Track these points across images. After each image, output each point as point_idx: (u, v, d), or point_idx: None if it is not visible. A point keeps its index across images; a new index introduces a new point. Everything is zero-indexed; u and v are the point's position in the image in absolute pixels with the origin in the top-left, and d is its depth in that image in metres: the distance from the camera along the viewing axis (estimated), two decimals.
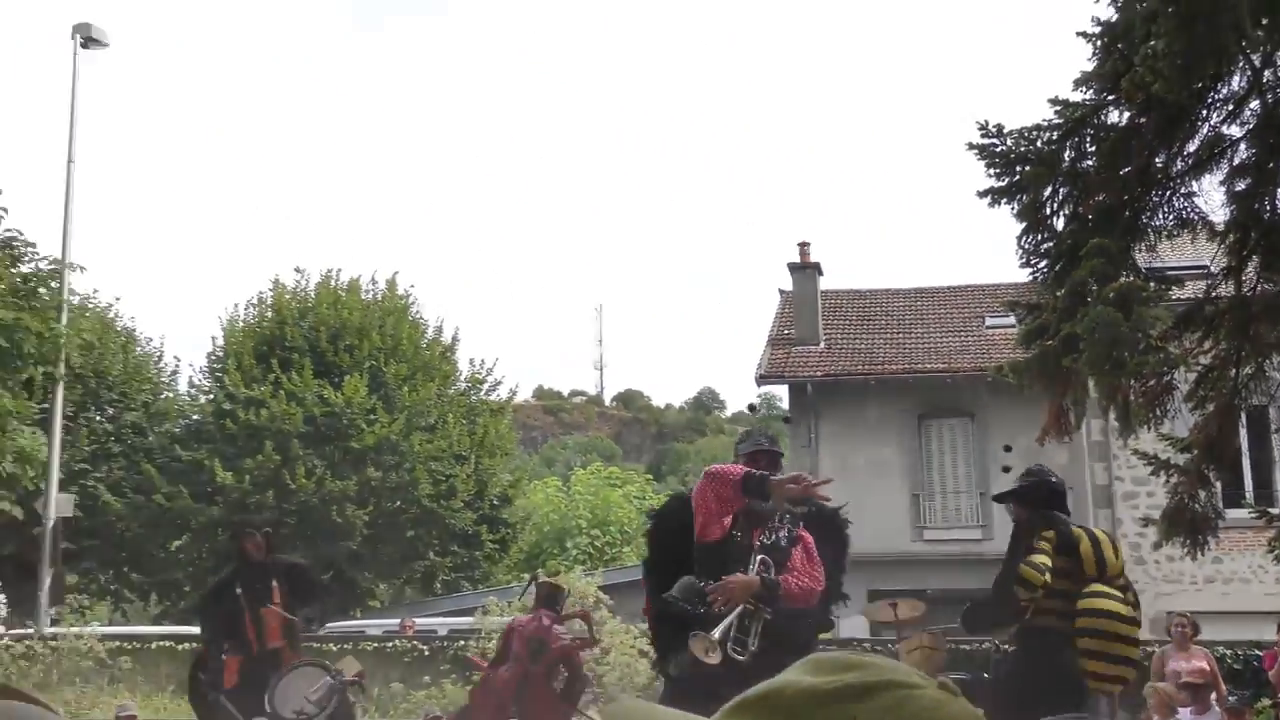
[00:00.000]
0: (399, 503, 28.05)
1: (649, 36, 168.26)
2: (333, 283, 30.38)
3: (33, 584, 22.26)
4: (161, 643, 17.95)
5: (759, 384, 27.61)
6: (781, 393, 27.66)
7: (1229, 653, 14.67)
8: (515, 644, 10.14)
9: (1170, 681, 11.75)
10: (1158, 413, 11.50)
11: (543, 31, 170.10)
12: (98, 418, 29.31)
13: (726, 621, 5.62)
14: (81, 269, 23.41)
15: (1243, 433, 17.33)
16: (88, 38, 23.36)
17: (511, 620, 11.76)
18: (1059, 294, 11.95)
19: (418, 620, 21.29)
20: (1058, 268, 12.14)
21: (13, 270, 20.58)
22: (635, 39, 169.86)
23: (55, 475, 21.60)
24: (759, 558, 5.90)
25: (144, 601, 30.70)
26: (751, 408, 33.39)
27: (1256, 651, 14.22)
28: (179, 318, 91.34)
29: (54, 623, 20.81)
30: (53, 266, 21.76)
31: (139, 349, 31.23)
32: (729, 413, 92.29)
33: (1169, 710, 11.21)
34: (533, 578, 11.46)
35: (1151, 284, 12.06)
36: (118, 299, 48.41)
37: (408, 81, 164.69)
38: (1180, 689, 11.46)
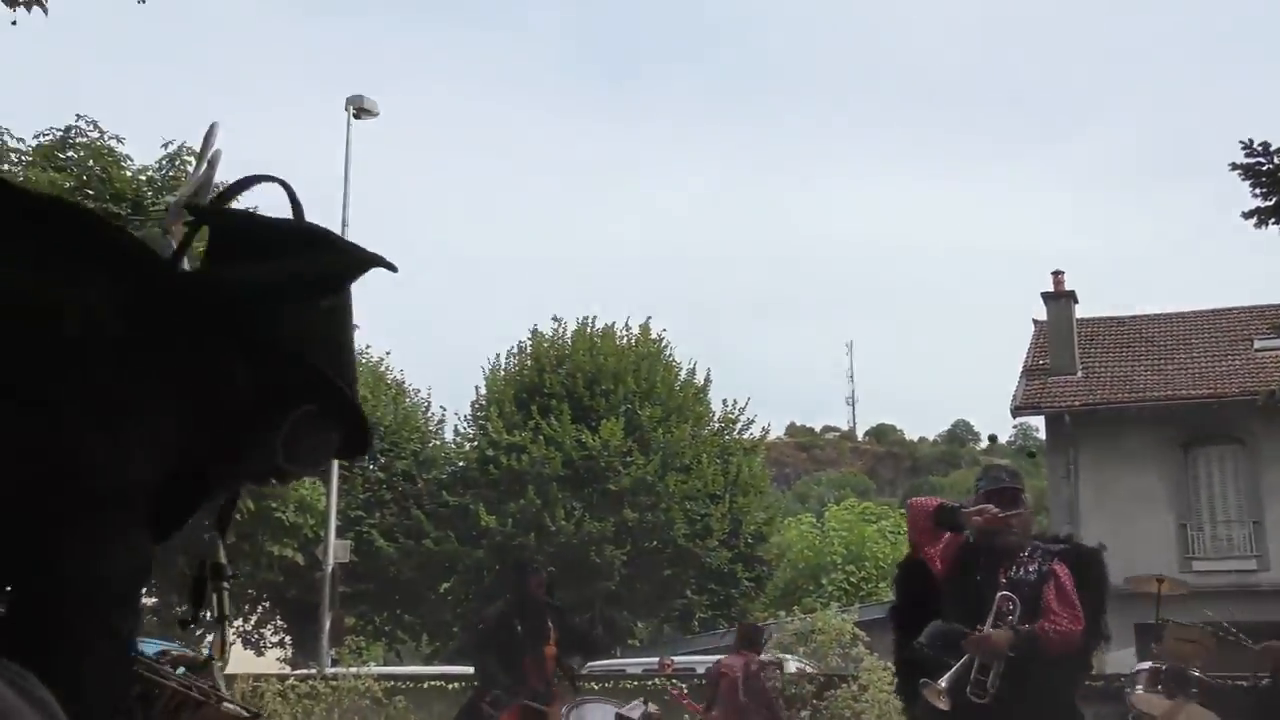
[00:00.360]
0: (655, 542, 28.48)
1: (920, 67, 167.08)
2: (588, 329, 31.11)
3: (314, 626, 23.45)
4: (433, 682, 18.68)
5: (1014, 415, 27.12)
6: (1038, 423, 27.04)
7: None
8: (724, 686, 10.23)
9: None
10: None
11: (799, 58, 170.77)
12: (371, 467, 30.70)
13: (955, 669, 5.50)
14: (356, 327, 24.65)
15: None
16: (360, 109, 24.69)
17: (717, 663, 11.80)
18: None
19: (676, 658, 21.56)
20: None
21: None
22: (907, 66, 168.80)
23: (333, 522, 22.76)
24: (1002, 594, 5.63)
25: (416, 642, 31.92)
26: (992, 439, 32.46)
27: None
28: (445, 369, 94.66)
29: (334, 663, 21.87)
30: None
31: (408, 400, 32.61)
32: (983, 445, 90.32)
33: None
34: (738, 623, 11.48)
35: None
36: (388, 353, 50.66)
37: (655, 130, 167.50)
38: None
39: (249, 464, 2.09)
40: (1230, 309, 28.08)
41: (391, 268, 2.14)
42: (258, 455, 2.06)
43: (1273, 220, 11.58)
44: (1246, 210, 11.69)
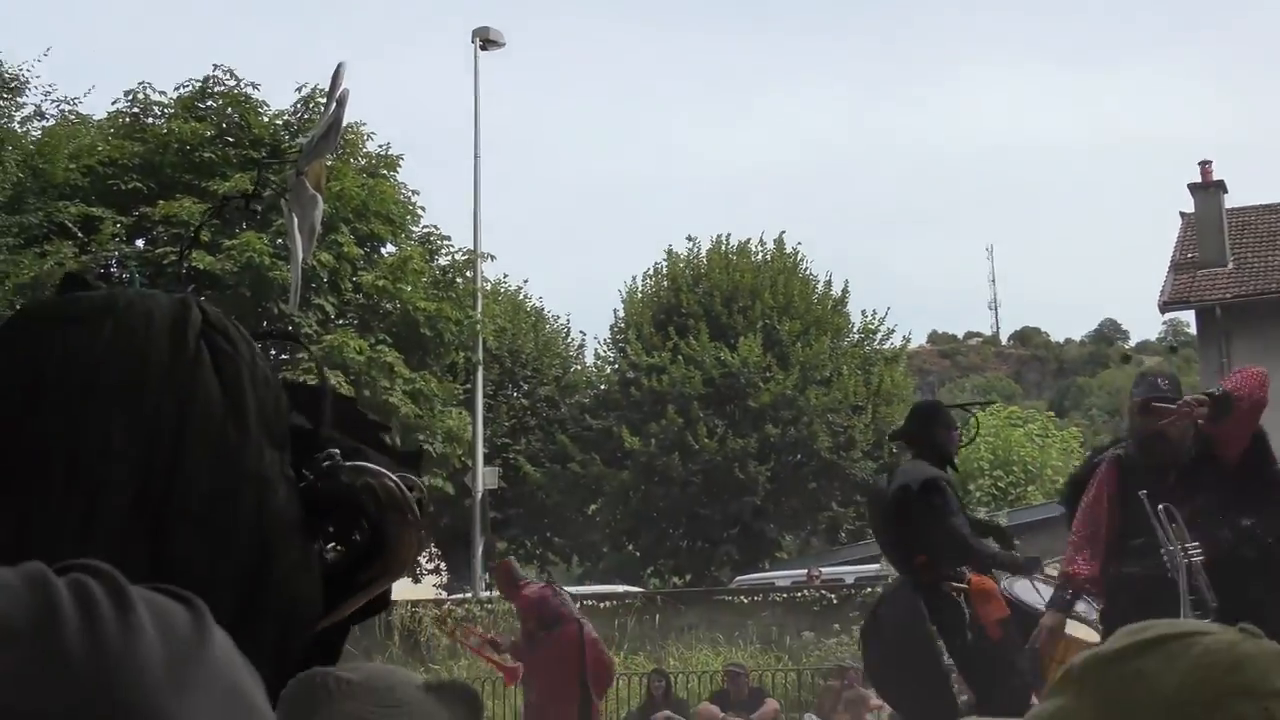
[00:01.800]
0: (799, 456, 28.49)
1: None
2: (723, 247, 31.04)
3: (467, 553, 24.02)
4: (585, 601, 18.96)
5: (1163, 311, 26.43)
6: (1188, 319, 26.36)
7: None
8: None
9: None
10: None
11: None
12: (515, 394, 31.16)
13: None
14: (492, 257, 24.94)
15: None
16: (486, 40, 24.84)
17: None
18: None
19: (824, 569, 21.65)
20: None
21: (432, 264, 22.26)
22: None
23: (480, 451, 23.20)
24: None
25: (566, 564, 32.48)
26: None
27: None
28: (583, 294, 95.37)
29: (487, 587, 22.39)
30: (466, 257, 23.40)
31: (548, 327, 32.95)
32: (1133, 343, 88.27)
33: None
34: None
35: None
36: (526, 282, 51.05)
37: (782, 40, 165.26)
38: None
39: None
40: None
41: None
42: None
43: None
44: None
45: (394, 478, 2.09)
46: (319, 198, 5.97)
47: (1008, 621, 7.11)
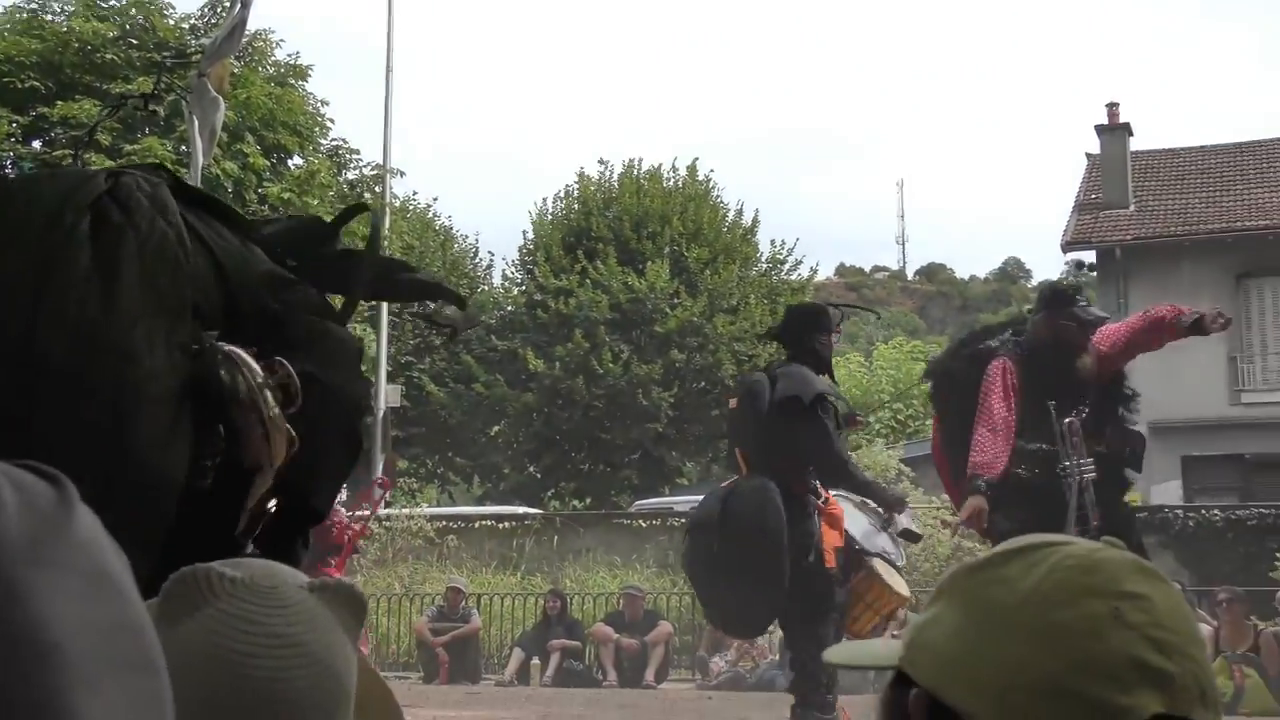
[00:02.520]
0: (703, 383, 28.62)
1: None
2: (635, 172, 30.89)
3: (367, 470, 23.88)
4: (484, 522, 19.00)
5: (1065, 251, 26.83)
6: (1090, 258, 26.78)
7: None
8: None
9: None
10: None
11: None
12: (421, 312, 30.89)
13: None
14: (401, 173, 24.62)
15: None
16: None
17: None
18: None
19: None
20: None
21: (340, 178, 21.90)
22: None
23: (383, 368, 23.02)
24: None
25: (467, 484, 32.45)
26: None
27: None
28: (492, 214, 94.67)
29: (388, 505, 22.31)
30: (375, 172, 23.04)
31: (456, 246, 32.68)
32: (1035, 282, 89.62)
33: None
34: None
35: None
36: (435, 199, 50.63)
37: None
38: None
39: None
40: None
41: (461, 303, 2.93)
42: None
43: None
44: None
45: (257, 372, 2.08)
46: (220, 100, 5.86)
47: (841, 552, 7.21)
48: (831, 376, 7.54)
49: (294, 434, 2.20)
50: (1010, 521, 5.79)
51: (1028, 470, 6.24)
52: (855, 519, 7.34)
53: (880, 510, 7.39)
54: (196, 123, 5.95)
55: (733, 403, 7.50)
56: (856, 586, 7.60)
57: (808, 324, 7.46)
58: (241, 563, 1.21)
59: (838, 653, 1.20)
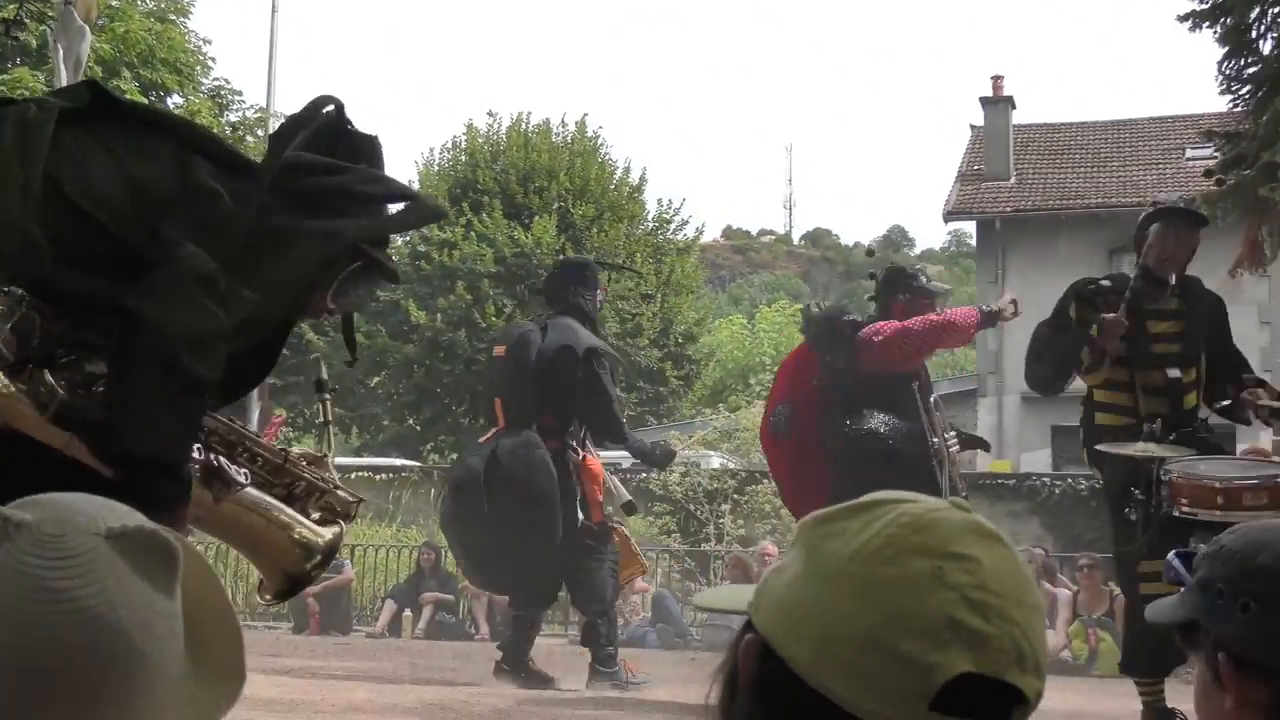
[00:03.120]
0: None
1: None
2: (523, 125, 30.65)
3: (244, 418, 23.51)
4: (361, 473, 18.82)
5: (946, 220, 27.27)
6: (969, 228, 27.21)
7: None
8: None
9: None
10: None
11: None
12: None
13: None
14: (285, 117, 24.11)
15: None
16: None
17: None
18: (1260, 121, 11.52)
19: (603, 454, 21.84)
20: (1261, 94, 11.68)
21: (221, 119, 21.38)
22: None
23: None
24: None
25: (345, 435, 32.09)
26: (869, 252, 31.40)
27: None
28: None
29: None
30: (259, 115, 22.52)
31: None
32: (918, 250, 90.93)
33: None
34: None
35: None
36: None
37: None
38: None
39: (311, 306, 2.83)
40: (1165, 117, 28.13)
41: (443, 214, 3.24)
42: (315, 300, 2.80)
43: (1205, 24, 11.48)
44: (1182, 14, 11.57)
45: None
46: (86, 29, 5.67)
47: (603, 507, 7.31)
48: (597, 331, 7.53)
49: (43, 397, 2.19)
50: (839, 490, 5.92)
51: (899, 444, 6.34)
52: (612, 483, 7.42)
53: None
54: (61, 51, 5.77)
55: (499, 350, 7.36)
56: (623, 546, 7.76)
57: (574, 279, 7.46)
58: (40, 502, 1.13)
59: (707, 597, 1.19)
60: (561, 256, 22.99)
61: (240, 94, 22.39)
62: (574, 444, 7.24)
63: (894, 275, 6.89)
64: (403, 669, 8.53)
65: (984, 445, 8.45)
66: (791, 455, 6.65)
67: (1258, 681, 1.45)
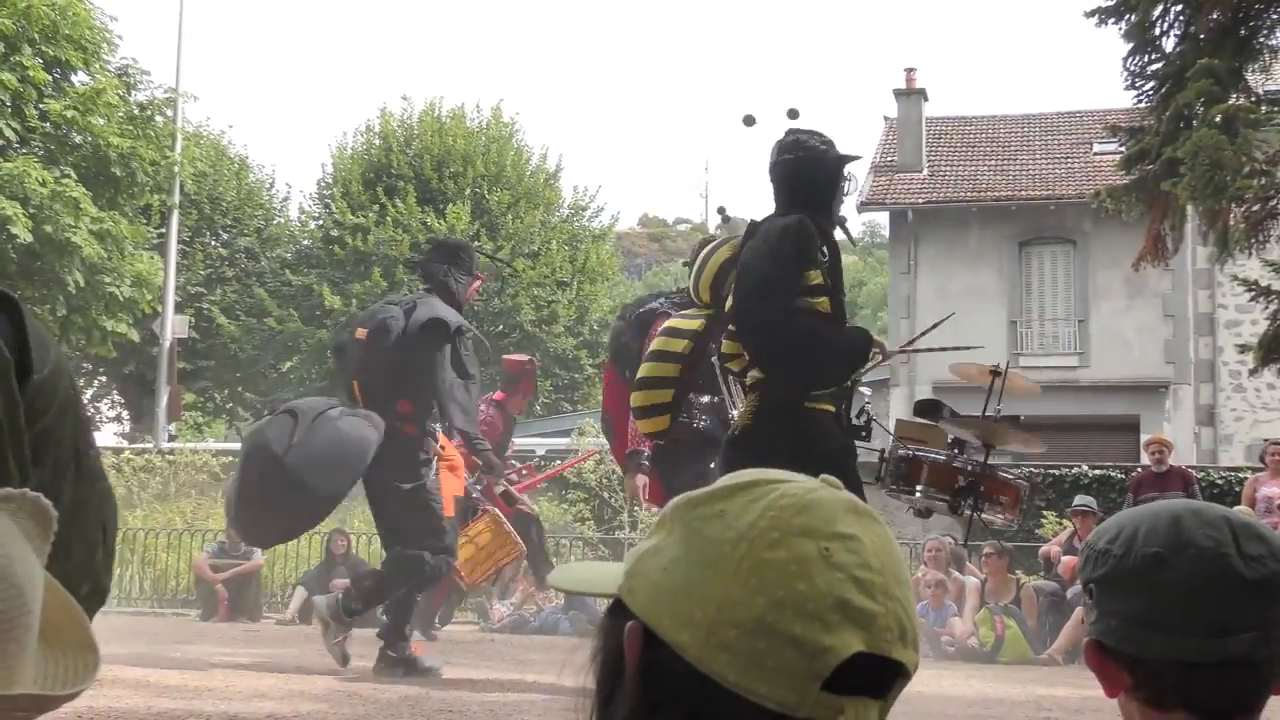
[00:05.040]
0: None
1: None
2: (437, 111, 30.48)
3: (152, 401, 23.18)
4: None
5: (860, 211, 27.48)
6: (883, 219, 27.48)
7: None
8: None
9: (1261, 504, 11.81)
10: (1259, 238, 11.34)
11: None
12: (213, 243, 30.03)
13: None
14: (194, 98, 23.74)
15: None
16: None
17: None
18: (1163, 117, 11.74)
19: (516, 440, 21.77)
20: (1164, 90, 11.90)
21: (128, 99, 20.97)
22: None
23: (171, 298, 22.30)
24: None
25: (257, 420, 31.77)
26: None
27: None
28: (291, 146, 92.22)
29: (172, 438, 21.66)
30: (167, 95, 22.11)
31: (251, 176, 31.77)
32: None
33: None
34: None
35: (1262, 106, 11.79)
36: (230, 126, 49.30)
37: None
38: (1267, 513, 11.52)
39: None
40: (1074, 112, 28.59)
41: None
42: None
43: (1111, 20, 11.68)
44: (1089, 10, 11.77)
45: None
46: None
47: (460, 500, 7.37)
48: (461, 315, 7.55)
49: None
50: (690, 474, 6.05)
51: (706, 422, 6.49)
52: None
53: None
54: None
55: (360, 333, 7.29)
56: (476, 536, 7.76)
57: (449, 259, 7.45)
58: None
59: (561, 577, 1.19)
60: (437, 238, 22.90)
61: (148, 73, 21.93)
62: (432, 430, 7.25)
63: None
64: (309, 655, 8.46)
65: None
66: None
67: (1117, 666, 1.47)
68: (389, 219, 27.93)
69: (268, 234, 30.83)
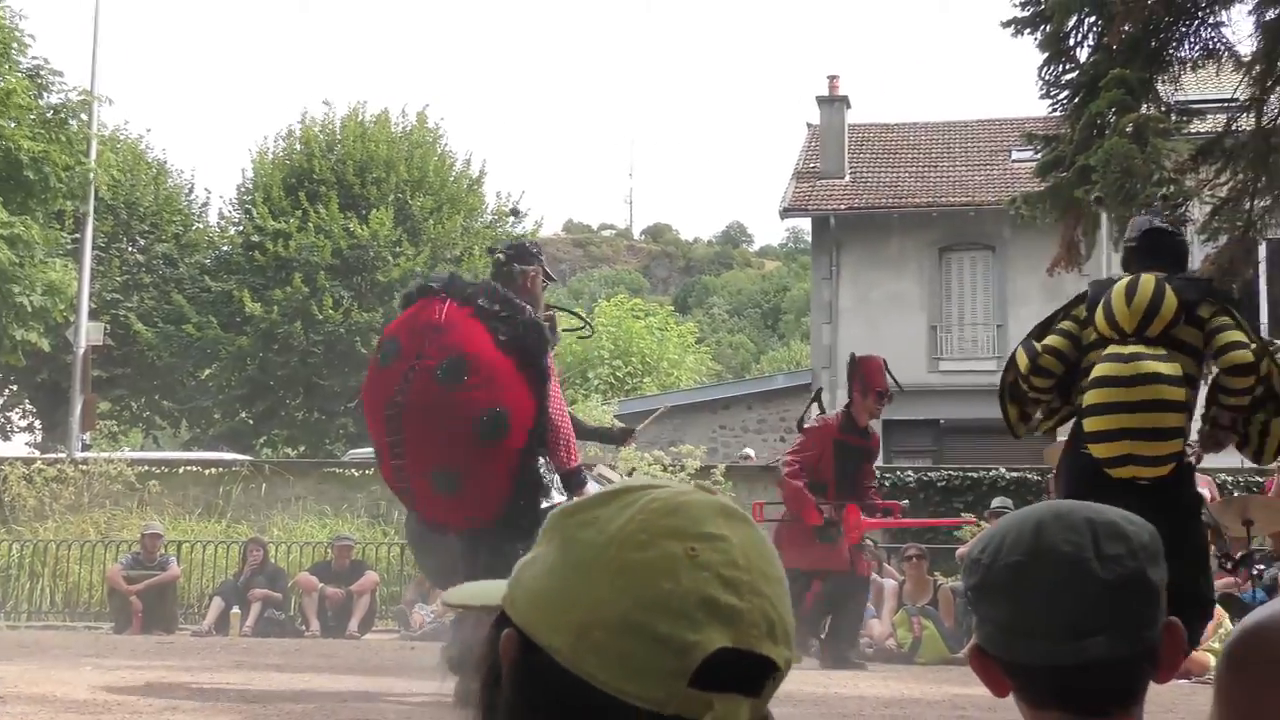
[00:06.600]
0: None
1: None
2: (360, 115, 30.26)
3: (66, 410, 22.76)
4: (189, 467, 18.35)
5: (783, 217, 27.63)
6: (805, 226, 27.68)
7: (1230, 479, 14.87)
8: None
9: None
10: None
11: None
12: (129, 249, 29.58)
13: None
14: (109, 101, 23.33)
15: (1261, 266, 17.26)
16: None
17: None
18: (1077, 125, 11.90)
19: None
20: (1078, 99, 12.06)
21: (40, 101, 20.57)
22: None
23: (85, 304, 21.90)
24: None
25: (175, 428, 31.32)
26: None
27: (1258, 479, 14.41)
28: (210, 150, 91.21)
29: (86, 448, 21.27)
30: (82, 98, 21.68)
31: (170, 181, 31.31)
32: (757, 246, 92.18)
33: None
34: None
35: (1171, 116, 12.00)
36: (148, 130, 48.45)
37: None
38: None
39: None
40: (993, 120, 28.95)
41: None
42: None
43: (1027, 30, 11.82)
44: (1005, 20, 11.90)
45: None
46: None
47: None
48: None
49: None
50: None
51: None
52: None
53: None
54: None
55: None
56: None
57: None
58: None
59: (455, 594, 1.21)
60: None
61: (61, 74, 21.48)
62: None
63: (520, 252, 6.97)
64: (225, 666, 8.35)
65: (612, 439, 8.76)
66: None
67: (998, 670, 1.51)
68: (311, 224, 27.68)
69: (186, 240, 30.41)
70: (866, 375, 10.57)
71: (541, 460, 6.51)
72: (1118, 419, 5.48)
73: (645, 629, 0.97)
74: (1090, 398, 5.59)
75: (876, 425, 24.18)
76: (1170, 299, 5.52)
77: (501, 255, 6.91)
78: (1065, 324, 5.92)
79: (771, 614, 1.01)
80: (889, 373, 10.82)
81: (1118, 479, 5.41)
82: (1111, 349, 5.58)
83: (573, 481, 6.56)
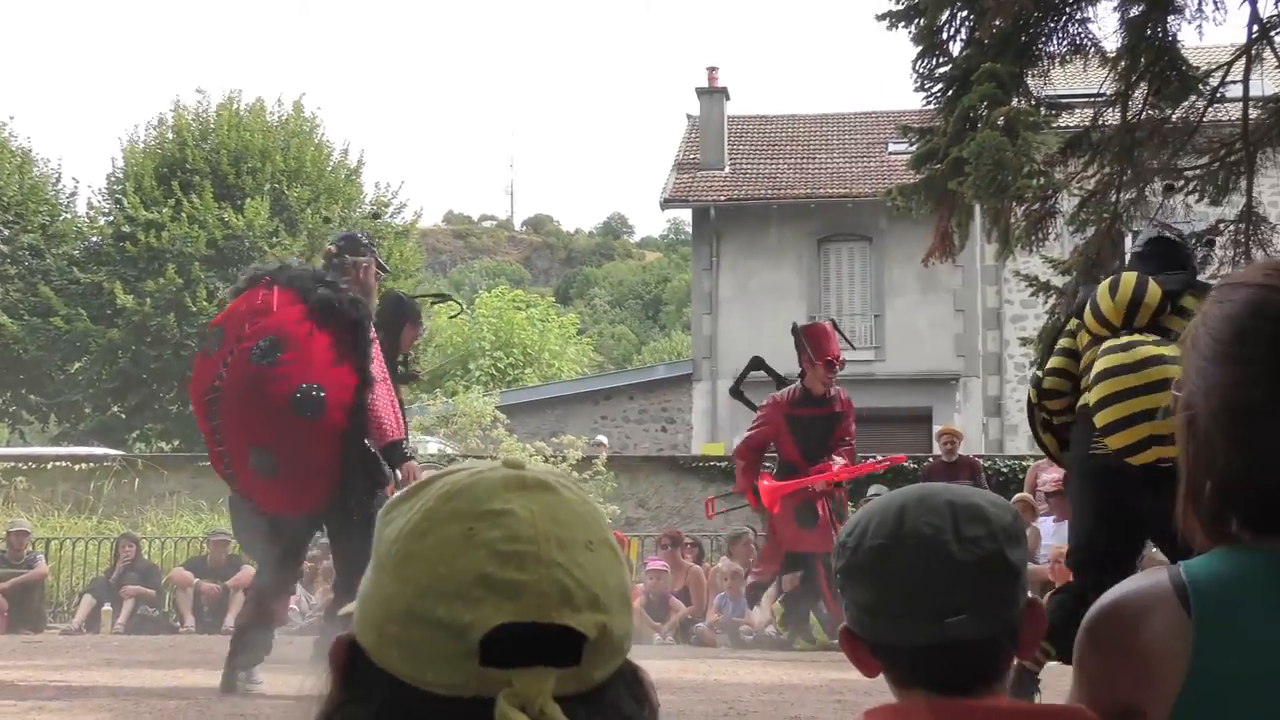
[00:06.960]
0: None
1: None
2: (235, 104, 29.73)
3: None
4: (58, 463, 17.91)
5: (663, 208, 27.71)
6: (686, 216, 27.81)
7: None
8: None
9: (1041, 490, 12.32)
10: (1039, 235, 11.80)
11: None
12: None
13: None
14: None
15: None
16: None
17: None
18: (950, 118, 12.09)
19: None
20: (951, 92, 12.26)
21: None
22: None
23: None
24: None
25: (43, 423, 30.51)
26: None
27: None
28: (78, 138, 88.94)
29: None
30: None
31: (36, 170, 30.44)
32: (638, 238, 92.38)
33: (1031, 515, 11.85)
34: None
35: (1041, 110, 12.26)
36: (11, 118, 47.21)
37: None
38: (1048, 496, 12.05)
39: None
40: (870, 112, 29.34)
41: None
42: None
43: (901, 24, 11.97)
44: (880, 13, 12.05)
45: None
46: None
47: None
48: (405, 365, 7.84)
49: None
50: None
51: None
52: None
53: None
54: None
55: None
56: None
57: (395, 314, 7.97)
58: None
59: (350, 608, 1.21)
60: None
61: None
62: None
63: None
64: (96, 665, 8.16)
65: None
66: None
67: (866, 652, 1.54)
68: (184, 215, 27.15)
69: (54, 230, 29.60)
70: (813, 344, 10.47)
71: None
72: (1131, 404, 5.40)
73: (427, 616, 0.98)
74: (1099, 391, 5.53)
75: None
76: (1154, 290, 5.57)
77: (333, 247, 6.99)
78: (1062, 342, 5.98)
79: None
80: (840, 333, 10.78)
81: (1139, 470, 5.33)
82: (1107, 342, 5.58)
83: (393, 455, 6.53)
